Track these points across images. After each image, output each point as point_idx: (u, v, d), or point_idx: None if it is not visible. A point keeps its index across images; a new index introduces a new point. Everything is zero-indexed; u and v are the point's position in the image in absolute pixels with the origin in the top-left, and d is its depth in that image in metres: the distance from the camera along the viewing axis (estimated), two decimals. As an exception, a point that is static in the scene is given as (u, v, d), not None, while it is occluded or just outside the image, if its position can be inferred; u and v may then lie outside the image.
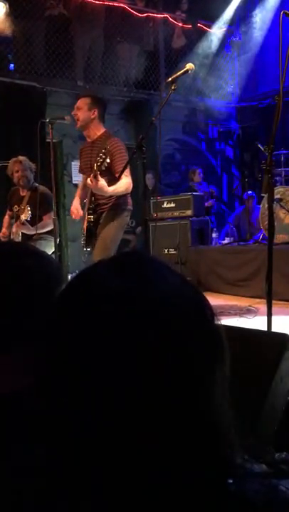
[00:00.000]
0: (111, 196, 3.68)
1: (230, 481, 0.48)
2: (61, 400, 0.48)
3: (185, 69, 2.90)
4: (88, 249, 3.86)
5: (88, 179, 3.42)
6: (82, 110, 3.71)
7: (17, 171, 4.47)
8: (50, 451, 0.50)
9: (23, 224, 4.30)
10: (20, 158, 4.50)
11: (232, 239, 6.80)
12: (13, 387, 0.77)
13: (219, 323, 0.53)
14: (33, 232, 4.34)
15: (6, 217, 4.74)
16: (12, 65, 7.03)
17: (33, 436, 0.69)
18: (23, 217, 4.25)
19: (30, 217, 4.26)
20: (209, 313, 0.52)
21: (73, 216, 3.94)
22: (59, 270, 0.90)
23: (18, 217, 4.48)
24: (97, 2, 7.39)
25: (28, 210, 4.22)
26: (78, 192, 4.07)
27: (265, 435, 1.20)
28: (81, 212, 3.86)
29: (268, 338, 1.42)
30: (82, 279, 0.53)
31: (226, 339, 0.53)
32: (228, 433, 0.50)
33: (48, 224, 4.36)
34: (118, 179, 3.47)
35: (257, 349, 1.27)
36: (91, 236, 3.80)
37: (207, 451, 0.48)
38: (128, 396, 0.46)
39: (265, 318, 2.61)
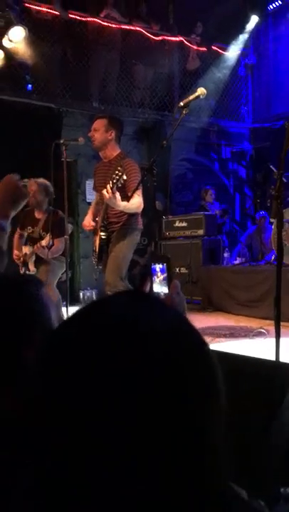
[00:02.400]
0: (122, 215, 3.73)
1: None
2: (58, 428, 0.49)
3: (197, 94, 2.95)
4: (100, 266, 3.90)
5: (104, 190, 3.46)
6: (100, 131, 3.76)
7: (30, 191, 4.54)
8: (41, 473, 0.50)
9: (42, 247, 4.35)
10: (39, 180, 4.56)
11: (244, 259, 6.79)
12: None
13: (214, 356, 0.53)
14: (48, 257, 4.40)
15: (17, 236, 4.74)
16: (30, 86, 7.19)
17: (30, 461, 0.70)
18: (43, 242, 4.31)
19: (50, 245, 4.32)
20: (205, 347, 0.53)
21: (86, 228, 4.00)
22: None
23: (32, 239, 4.53)
24: (114, 26, 7.56)
25: (50, 238, 4.28)
26: (91, 209, 4.13)
27: (271, 465, 1.19)
28: (93, 223, 3.91)
29: (276, 369, 1.43)
30: (83, 315, 0.54)
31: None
32: (222, 469, 0.50)
33: (60, 249, 4.43)
34: (129, 198, 3.52)
35: (264, 379, 1.27)
36: (103, 253, 3.85)
37: (201, 487, 0.48)
38: (119, 424, 0.46)
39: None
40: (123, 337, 0.49)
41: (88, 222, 3.96)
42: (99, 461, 0.47)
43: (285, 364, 1.49)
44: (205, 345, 0.54)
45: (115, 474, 0.46)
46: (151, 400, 0.47)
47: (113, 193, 3.39)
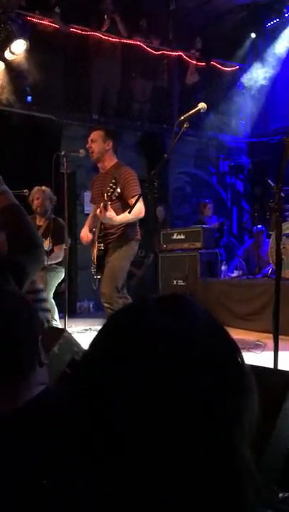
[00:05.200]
0: (119, 225, 3.74)
1: None
2: (93, 436, 0.51)
3: (197, 108, 2.98)
4: (99, 276, 3.90)
5: (98, 210, 3.47)
6: (97, 142, 3.80)
7: (37, 199, 4.58)
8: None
9: None
10: (44, 187, 4.63)
11: (241, 272, 6.80)
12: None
13: (247, 365, 0.55)
14: (45, 263, 4.41)
15: None
16: (30, 98, 7.23)
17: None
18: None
19: (50, 249, 4.35)
20: (240, 356, 0.54)
21: (83, 242, 4.01)
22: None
23: None
24: (114, 40, 7.65)
25: (49, 242, 4.32)
26: (88, 221, 4.14)
27: (269, 473, 1.20)
28: (90, 236, 3.92)
29: (274, 376, 1.43)
30: (130, 317, 0.55)
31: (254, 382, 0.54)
32: (251, 475, 0.51)
33: (59, 255, 4.46)
34: (129, 206, 3.51)
35: (263, 386, 1.27)
36: (101, 264, 3.84)
37: (227, 494, 0.49)
38: (159, 430, 0.48)
39: (272, 353, 2.61)
40: (163, 343, 0.51)
41: (86, 234, 3.97)
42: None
43: (284, 372, 1.49)
44: (240, 351, 0.55)
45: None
46: (190, 399, 0.49)
47: (106, 211, 3.40)
